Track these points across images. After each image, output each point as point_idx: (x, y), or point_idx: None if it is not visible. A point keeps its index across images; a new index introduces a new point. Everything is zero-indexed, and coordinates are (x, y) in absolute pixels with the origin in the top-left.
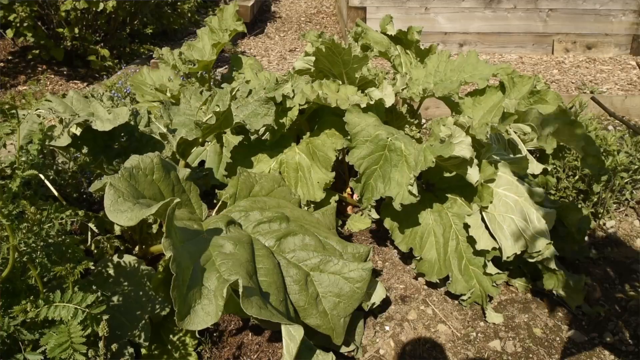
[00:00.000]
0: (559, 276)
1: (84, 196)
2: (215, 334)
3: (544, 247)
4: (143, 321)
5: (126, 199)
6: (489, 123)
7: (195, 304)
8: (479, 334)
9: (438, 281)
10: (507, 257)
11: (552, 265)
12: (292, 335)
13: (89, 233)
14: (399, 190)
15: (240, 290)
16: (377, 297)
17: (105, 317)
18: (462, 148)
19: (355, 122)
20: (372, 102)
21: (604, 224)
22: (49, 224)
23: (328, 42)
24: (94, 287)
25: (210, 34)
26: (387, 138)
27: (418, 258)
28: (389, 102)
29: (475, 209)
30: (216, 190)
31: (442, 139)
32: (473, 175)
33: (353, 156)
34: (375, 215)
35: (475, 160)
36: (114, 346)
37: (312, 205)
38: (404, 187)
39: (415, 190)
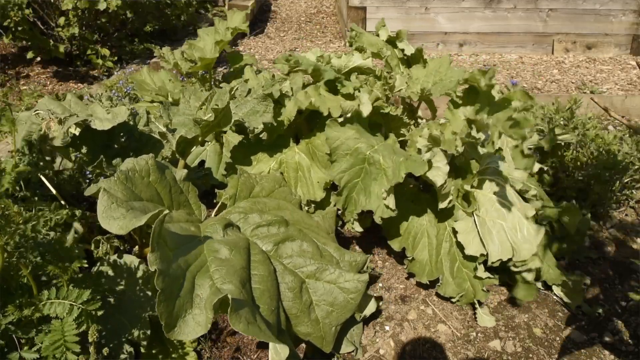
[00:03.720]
0: (530, 289)
1: (84, 196)
2: (214, 334)
3: (529, 258)
4: (142, 320)
5: (119, 205)
6: (457, 136)
7: (185, 313)
8: (479, 334)
9: (428, 282)
10: (492, 262)
11: (529, 278)
12: (277, 352)
13: (72, 232)
14: (379, 203)
15: (230, 304)
16: (369, 310)
17: (99, 312)
18: (436, 175)
19: (335, 137)
20: (352, 111)
21: (604, 224)
22: (33, 222)
23: (293, 65)
24: (86, 284)
25: (214, 33)
26: (367, 152)
27: (410, 258)
28: (365, 111)
29: (461, 215)
30: (216, 191)
31: (419, 150)
32: (441, 205)
33: (334, 170)
34: (359, 228)
35: (451, 185)
36: (105, 350)
37: (313, 205)
38: (382, 201)
39: (392, 204)
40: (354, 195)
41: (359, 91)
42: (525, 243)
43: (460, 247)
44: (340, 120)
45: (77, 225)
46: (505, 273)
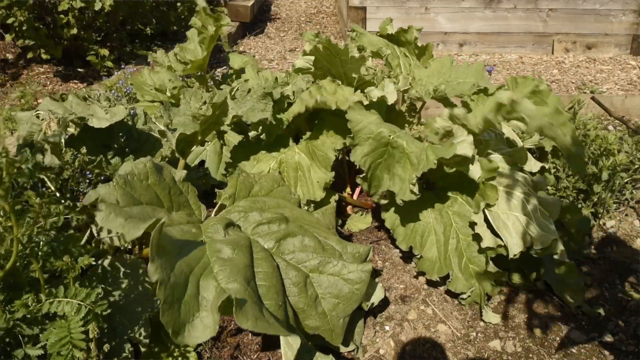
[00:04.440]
0: (568, 267)
1: (84, 196)
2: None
3: (550, 242)
4: (143, 320)
5: (117, 215)
6: (482, 115)
7: (193, 317)
8: (479, 334)
9: (439, 279)
10: (514, 255)
11: (564, 258)
12: (289, 344)
13: (88, 232)
14: (401, 185)
15: (234, 303)
16: (376, 297)
17: (105, 312)
18: (464, 147)
19: (358, 120)
20: (374, 100)
21: (604, 224)
22: (54, 218)
23: (325, 42)
24: (94, 284)
25: (199, 34)
26: (390, 136)
27: (418, 256)
28: (391, 99)
29: (482, 207)
30: (216, 191)
31: (436, 131)
32: (475, 172)
33: (356, 154)
34: (385, 201)
35: (477, 156)
36: (106, 346)
37: (312, 205)
38: (407, 183)
39: (416, 189)
40: (378, 173)
41: (374, 80)
42: (543, 229)
43: (476, 240)
44: (366, 103)
45: (94, 228)
46: (521, 264)
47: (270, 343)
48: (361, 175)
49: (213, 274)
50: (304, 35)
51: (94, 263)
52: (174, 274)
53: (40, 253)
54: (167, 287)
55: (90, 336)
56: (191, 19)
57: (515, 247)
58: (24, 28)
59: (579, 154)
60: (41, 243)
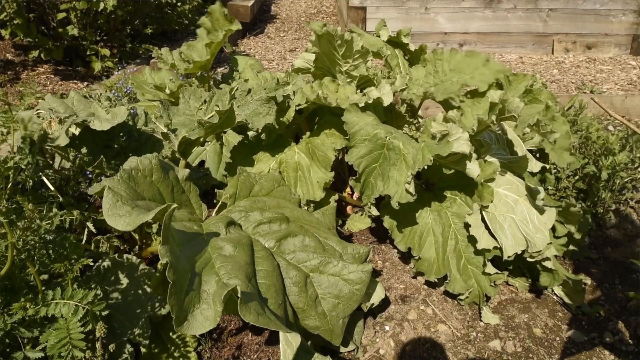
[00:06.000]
0: (554, 275)
1: (84, 196)
2: (215, 334)
3: (544, 247)
4: (142, 320)
5: (124, 203)
6: (476, 116)
7: (194, 308)
8: (479, 334)
9: (436, 280)
10: (508, 257)
11: (550, 265)
12: (289, 342)
13: (86, 231)
14: (397, 188)
15: (239, 296)
16: (377, 297)
17: (104, 313)
18: (461, 144)
19: (354, 122)
20: (370, 102)
21: (604, 224)
22: (47, 222)
23: (332, 31)
24: (93, 285)
25: (207, 34)
26: (386, 137)
27: (417, 257)
28: (387, 101)
29: (476, 208)
30: (216, 190)
31: (433, 135)
32: (473, 170)
33: (352, 155)
34: (376, 212)
35: (475, 155)
36: (111, 347)
37: (312, 205)
38: (402, 186)
39: (412, 189)
40: (372, 180)
41: (375, 80)
42: (538, 232)
43: (471, 241)
44: (362, 105)
45: (90, 225)
46: (520, 265)
47: (270, 343)
48: (354, 177)
49: (214, 269)
50: (310, 24)
51: (91, 263)
52: (180, 263)
53: (36, 257)
54: (175, 270)
55: (97, 335)
56: (201, 19)
57: (509, 249)
58: (16, 22)
59: (563, 145)
60: (36, 247)
